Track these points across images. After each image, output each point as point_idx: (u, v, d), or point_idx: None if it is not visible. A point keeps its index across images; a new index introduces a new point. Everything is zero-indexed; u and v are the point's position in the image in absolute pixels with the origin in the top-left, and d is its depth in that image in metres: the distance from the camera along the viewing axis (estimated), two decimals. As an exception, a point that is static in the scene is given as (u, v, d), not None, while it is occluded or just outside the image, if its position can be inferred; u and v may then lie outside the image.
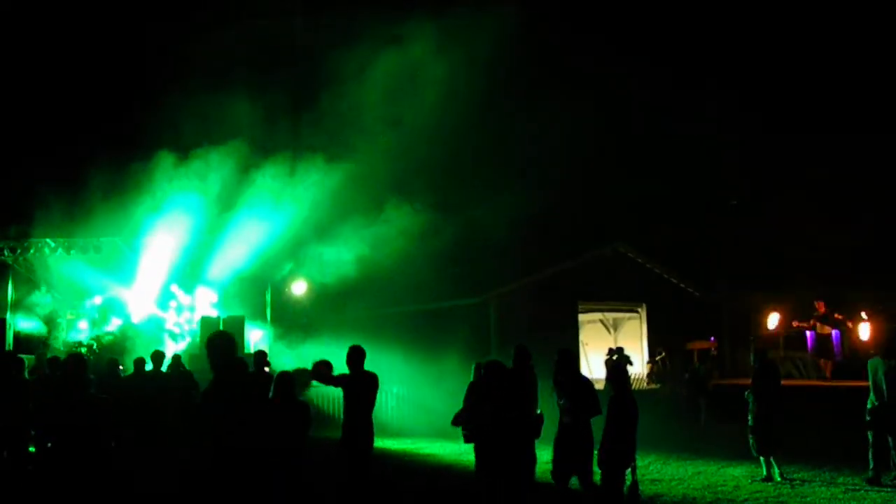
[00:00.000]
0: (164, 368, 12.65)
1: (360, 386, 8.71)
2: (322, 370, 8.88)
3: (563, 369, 8.62)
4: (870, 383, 10.76)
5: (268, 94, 22.67)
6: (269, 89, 22.76)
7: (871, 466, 10.72)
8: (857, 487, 10.55)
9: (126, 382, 12.27)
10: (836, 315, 22.02)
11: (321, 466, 9.28)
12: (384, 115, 22.17)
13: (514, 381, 7.76)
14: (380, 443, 8.08)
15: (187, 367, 13.57)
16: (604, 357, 23.20)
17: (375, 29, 22.61)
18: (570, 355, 8.98)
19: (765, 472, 11.17)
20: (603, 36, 27.28)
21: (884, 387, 10.50)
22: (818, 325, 21.76)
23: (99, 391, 11.37)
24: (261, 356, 11.60)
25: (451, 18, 21.75)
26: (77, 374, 6.82)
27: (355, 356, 8.79)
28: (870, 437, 10.77)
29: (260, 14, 24.40)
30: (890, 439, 10.53)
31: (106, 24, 28.24)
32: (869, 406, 10.73)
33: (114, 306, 20.83)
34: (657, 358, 24.57)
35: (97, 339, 19.55)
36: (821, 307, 22.01)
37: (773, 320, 22.70)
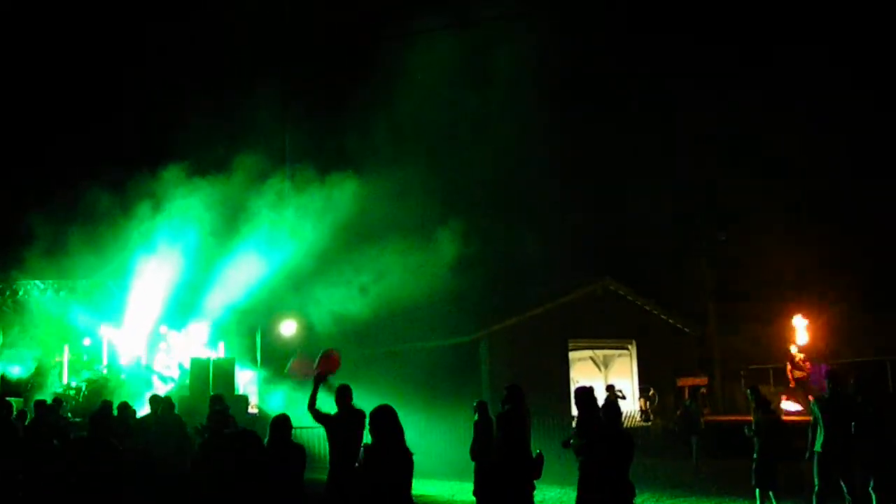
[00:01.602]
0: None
1: (348, 427, 8.45)
2: (325, 370, 8.67)
3: (580, 411, 8.46)
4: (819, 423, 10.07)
5: (260, 120, 22.70)
6: (262, 115, 22.75)
7: None
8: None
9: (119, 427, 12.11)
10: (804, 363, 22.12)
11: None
12: (377, 151, 22.33)
13: (510, 422, 7.66)
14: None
15: (177, 409, 13.43)
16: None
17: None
18: (585, 396, 8.58)
19: (760, 509, 11.13)
20: (590, 64, 27.65)
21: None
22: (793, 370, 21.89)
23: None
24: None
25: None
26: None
27: (342, 395, 8.66)
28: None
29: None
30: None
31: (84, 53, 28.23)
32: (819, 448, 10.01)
33: (102, 348, 20.69)
34: (650, 394, 24.49)
35: (86, 381, 19.37)
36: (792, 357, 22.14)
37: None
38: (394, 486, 5.96)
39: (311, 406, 8.73)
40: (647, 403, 24.38)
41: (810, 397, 16.51)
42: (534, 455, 7.21)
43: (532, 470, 7.15)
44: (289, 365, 9.28)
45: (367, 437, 8.40)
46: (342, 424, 8.53)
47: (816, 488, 9.98)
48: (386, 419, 6.09)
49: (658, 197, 31.25)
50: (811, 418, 10.32)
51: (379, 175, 21.94)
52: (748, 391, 12.05)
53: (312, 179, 21.71)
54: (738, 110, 31.60)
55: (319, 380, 8.92)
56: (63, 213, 20.80)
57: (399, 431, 6.12)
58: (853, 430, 9.52)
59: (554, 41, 23.58)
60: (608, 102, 29.82)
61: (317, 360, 9.20)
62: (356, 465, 6.29)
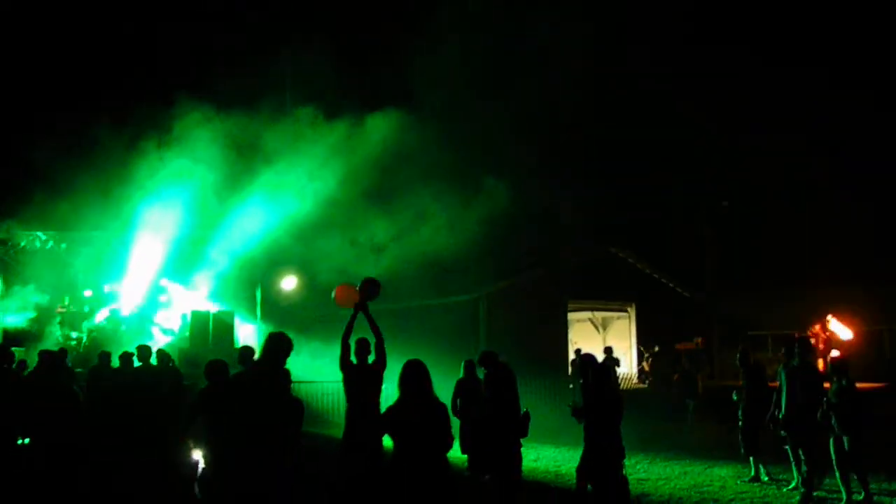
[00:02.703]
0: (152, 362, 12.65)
1: (365, 380, 8.30)
2: (366, 295, 8.35)
3: (583, 375, 8.54)
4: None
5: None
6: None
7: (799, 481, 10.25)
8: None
9: (116, 378, 12.28)
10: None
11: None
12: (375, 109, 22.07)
13: (499, 380, 7.64)
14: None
15: (176, 360, 13.54)
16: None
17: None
18: (587, 363, 8.69)
19: (752, 473, 11.22)
20: (600, 33, 27.37)
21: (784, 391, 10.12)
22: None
23: (90, 385, 11.42)
24: (247, 352, 11.45)
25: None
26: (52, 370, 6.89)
27: (362, 348, 8.43)
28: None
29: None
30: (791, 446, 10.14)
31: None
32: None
33: (103, 299, 20.77)
34: (654, 350, 24.34)
35: (87, 332, 19.48)
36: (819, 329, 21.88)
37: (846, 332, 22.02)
38: (423, 441, 5.81)
39: (346, 338, 8.33)
40: (652, 362, 24.35)
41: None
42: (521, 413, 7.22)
43: (519, 428, 7.17)
44: (333, 294, 8.80)
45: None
46: (360, 377, 8.36)
47: (792, 457, 10.16)
48: (413, 374, 5.98)
49: (664, 163, 31.15)
50: (777, 384, 10.35)
51: (388, 127, 21.69)
52: (737, 355, 12.01)
53: (323, 125, 21.41)
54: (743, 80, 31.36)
55: (360, 308, 8.49)
56: (65, 164, 20.67)
57: (426, 387, 5.99)
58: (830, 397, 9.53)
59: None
60: (621, 71, 29.58)
61: (358, 287, 8.70)
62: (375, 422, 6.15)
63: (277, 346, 6.57)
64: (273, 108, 21.48)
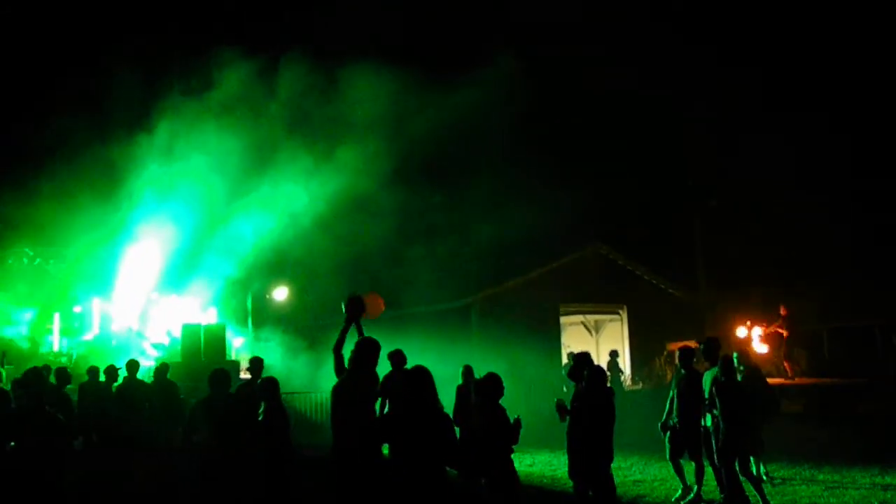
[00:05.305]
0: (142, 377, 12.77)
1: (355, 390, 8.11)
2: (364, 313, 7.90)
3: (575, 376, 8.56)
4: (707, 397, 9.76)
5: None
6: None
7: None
8: (837, 485, 10.64)
9: (107, 392, 12.30)
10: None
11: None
12: (368, 120, 22.00)
13: (491, 385, 7.50)
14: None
15: (168, 375, 13.46)
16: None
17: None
18: (581, 362, 8.67)
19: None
20: (582, 30, 27.41)
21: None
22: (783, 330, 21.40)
23: (82, 401, 11.40)
24: (257, 363, 11.41)
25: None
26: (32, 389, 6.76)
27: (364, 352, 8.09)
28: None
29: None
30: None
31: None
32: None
33: (93, 315, 20.66)
34: (667, 351, 24.19)
35: (76, 348, 19.39)
36: (783, 311, 21.63)
37: (741, 332, 22.15)
38: (420, 451, 5.69)
39: (339, 349, 7.46)
40: (658, 364, 24.24)
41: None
42: (511, 420, 7.15)
43: (510, 435, 7.09)
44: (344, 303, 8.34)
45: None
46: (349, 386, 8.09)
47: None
48: (412, 382, 5.87)
49: (650, 162, 31.22)
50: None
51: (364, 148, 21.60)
52: (676, 351, 11.60)
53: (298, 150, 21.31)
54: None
55: (353, 320, 7.83)
56: (54, 180, 20.51)
57: (426, 396, 5.84)
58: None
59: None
60: (600, 68, 29.63)
61: (361, 301, 8.02)
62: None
63: (367, 352, 6.88)
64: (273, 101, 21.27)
